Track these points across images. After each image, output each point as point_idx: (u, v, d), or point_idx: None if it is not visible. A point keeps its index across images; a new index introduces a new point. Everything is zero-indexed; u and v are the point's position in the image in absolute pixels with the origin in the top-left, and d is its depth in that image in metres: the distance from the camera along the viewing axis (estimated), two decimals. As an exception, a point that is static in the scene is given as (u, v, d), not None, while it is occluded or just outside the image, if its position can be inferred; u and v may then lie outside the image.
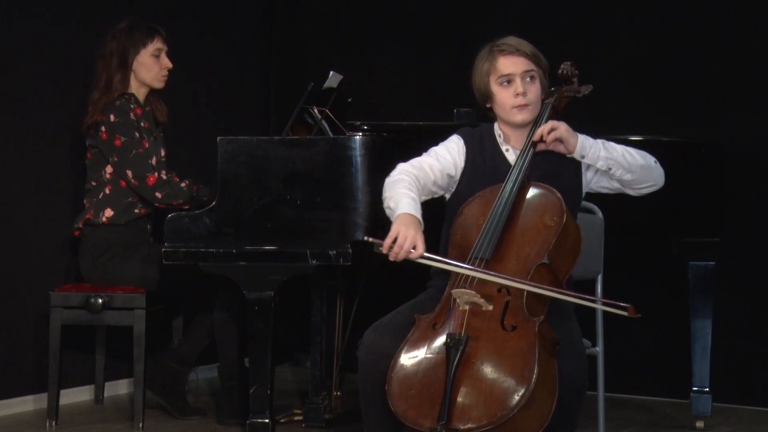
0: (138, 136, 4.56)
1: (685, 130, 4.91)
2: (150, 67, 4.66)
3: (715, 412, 4.59)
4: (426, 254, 3.17)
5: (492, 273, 3.13)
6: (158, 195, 4.52)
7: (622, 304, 3.12)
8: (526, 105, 3.40)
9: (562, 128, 3.34)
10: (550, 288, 3.14)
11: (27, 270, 4.83)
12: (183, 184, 4.56)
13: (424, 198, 3.43)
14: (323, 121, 4.47)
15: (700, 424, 4.55)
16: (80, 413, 4.79)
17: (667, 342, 5.03)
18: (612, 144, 3.42)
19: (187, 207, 4.49)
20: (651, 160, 3.46)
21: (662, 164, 4.41)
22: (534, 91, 3.41)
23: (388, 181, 3.39)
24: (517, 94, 3.39)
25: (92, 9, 5.05)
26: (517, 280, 3.12)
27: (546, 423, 2.93)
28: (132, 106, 4.61)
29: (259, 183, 4.02)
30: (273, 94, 6.04)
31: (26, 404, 4.82)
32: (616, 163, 3.37)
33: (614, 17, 5.19)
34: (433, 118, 4.77)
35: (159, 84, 4.70)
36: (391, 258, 3.17)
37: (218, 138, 4.05)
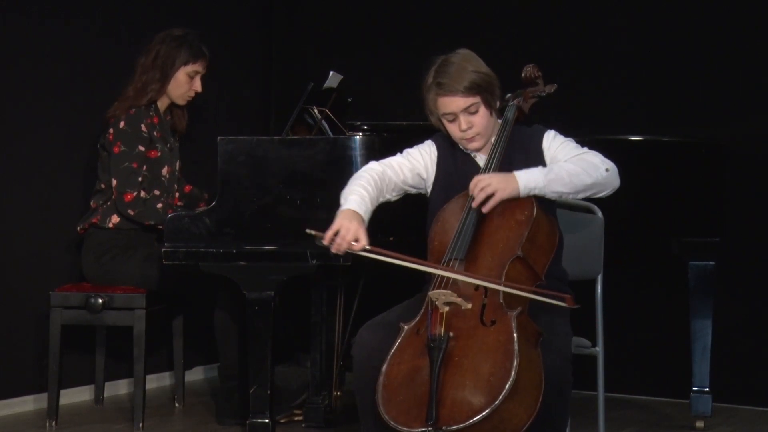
0: (141, 150, 4.55)
1: (685, 130, 4.91)
2: (180, 85, 4.67)
3: (715, 412, 4.59)
4: (369, 247, 3.23)
5: (445, 269, 3.17)
6: (130, 212, 4.52)
7: (559, 294, 3.15)
8: (473, 136, 3.43)
9: (485, 183, 3.28)
10: (493, 281, 3.15)
11: (27, 270, 4.83)
12: (159, 205, 4.55)
13: (395, 195, 3.53)
14: (323, 121, 4.48)
15: (700, 424, 4.54)
16: (80, 413, 4.79)
17: (667, 342, 5.03)
18: (558, 171, 3.31)
19: (160, 227, 4.46)
20: (600, 172, 3.34)
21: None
22: (479, 120, 3.41)
23: (354, 176, 3.47)
24: (462, 130, 3.42)
25: (98, 9, 5.05)
26: (474, 276, 3.15)
27: (534, 414, 2.95)
28: (151, 113, 4.61)
29: (259, 183, 4.02)
30: (273, 94, 6.04)
31: (26, 404, 4.82)
32: (563, 192, 3.34)
33: (614, 17, 5.19)
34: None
35: (181, 102, 4.73)
36: (333, 250, 3.25)
37: (218, 138, 4.05)
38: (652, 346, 5.12)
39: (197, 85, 4.71)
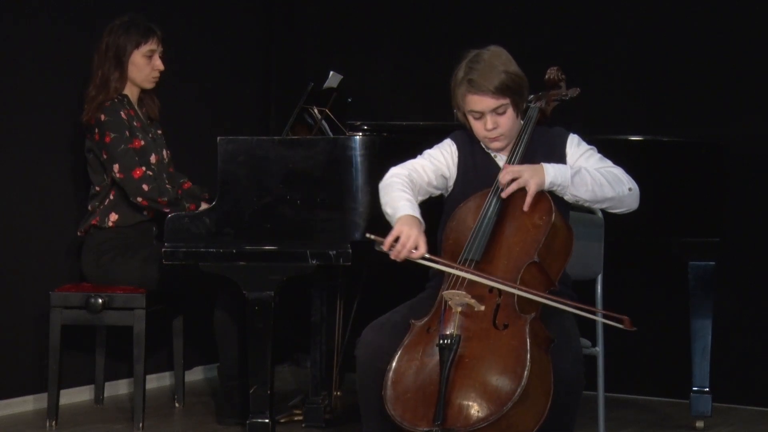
0: (128, 135, 4.54)
1: (685, 130, 4.91)
2: (141, 68, 4.64)
3: (715, 412, 4.59)
4: (428, 255, 3.19)
5: (494, 278, 3.14)
6: (144, 187, 4.47)
7: (617, 315, 3.15)
8: (497, 136, 3.42)
9: (516, 174, 3.28)
10: (557, 298, 3.15)
11: (27, 270, 4.83)
12: (167, 186, 4.55)
13: (420, 198, 3.46)
14: (323, 121, 4.48)
15: (700, 424, 4.55)
16: (80, 413, 4.79)
17: (667, 342, 5.03)
18: (584, 175, 3.33)
19: (168, 210, 4.45)
20: (623, 189, 3.38)
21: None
22: (505, 121, 3.40)
23: (382, 185, 3.42)
24: (487, 129, 3.40)
25: (94, 9, 5.05)
26: (519, 287, 3.13)
27: (542, 420, 2.94)
28: (125, 106, 4.61)
29: (259, 183, 4.02)
30: (273, 94, 6.04)
31: (26, 404, 4.82)
32: (582, 199, 3.35)
33: (614, 17, 5.19)
34: (433, 118, 4.77)
35: (149, 85, 4.69)
36: (393, 256, 3.20)
37: (218, 138, 4.05)
38: (652, 346, 5.12)
39: (158, 64, 4.67)
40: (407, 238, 3.18)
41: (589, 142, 3.52)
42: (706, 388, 4.53)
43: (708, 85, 4.98)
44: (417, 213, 3.28)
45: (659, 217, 4.42)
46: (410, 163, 3.48)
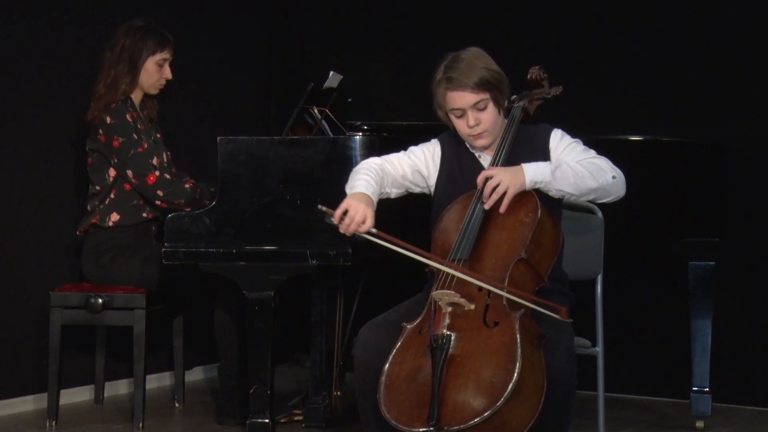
0: (136, 138, 4.56)
1: (685, 130, 4.91)
2: (151, 75, 4.66)
3: (715, 412, 4.59)
4: (375, 230, 3.23)
5: (448, 264, 3.17)
6: (159, 193, 4.52)
7: (551, 304, 3.17)
8: (481, 133, 3.42)
9: (495, 182, 3.28)
10: (514, 291, 3.17)
11: (27, 270, 4.83)
12: (187, 185, 4.56)
13: (396, 191, 3.52)
14: (323, 121, 4.48)
15: (700, 424, 4.55)
16: (80, 413, 4.80)
17: (667, 342, 5.03)
18: (565, 169, 3.33)
19: (188, 209, 4.46)
20: (606, 178, 3.36)
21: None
22: (487, 117, 3.40)
23: (352, 172, 3.47)
24: (470, 126, 3.41)
25: (94, 10, 5.05)
26: (477, 276, 3.15)
27: (536, 415, 2.95)
28: (129, 109, 4.61)
29: (259, 183, 4.02)
30: (273, 94, 6.04)
31: (26, 404, 4.82)
32: (567, 193, 3.35)
33: (614, 17, 5.19)
34: (432, 118, 4.76)
35: (154, 91, 4.72)
36: (342, 230, 3.25)
37: (218, 138, 4.05)
38: (652, 346, 5.12)
39: (167, 73, 4.70)
40: (355, 212, 3.23)
41: (587, 142, 3.52)
42: (706, 388, 4.53)
43: (708, 85, 4.98)
44: (370, 192, 3.33)
45: (659, 217, 4.42)
46: (387, 156, 3.53)
